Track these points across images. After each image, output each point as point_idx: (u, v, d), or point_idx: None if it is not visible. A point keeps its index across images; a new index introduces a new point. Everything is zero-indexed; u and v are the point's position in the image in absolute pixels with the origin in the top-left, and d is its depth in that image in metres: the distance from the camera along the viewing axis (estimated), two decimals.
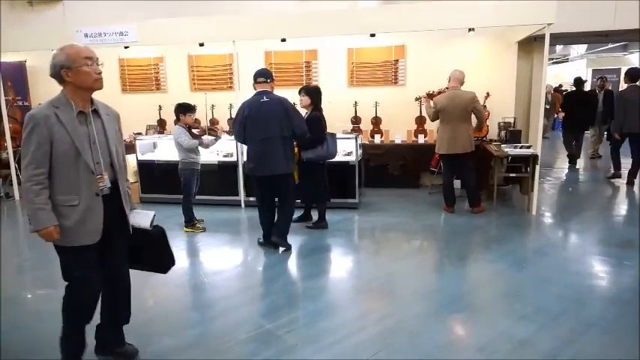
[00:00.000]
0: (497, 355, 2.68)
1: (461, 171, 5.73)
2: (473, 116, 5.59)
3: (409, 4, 6.09)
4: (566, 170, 8.68)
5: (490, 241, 4.80)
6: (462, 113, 5.45)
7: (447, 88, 5.70)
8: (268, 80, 4.44)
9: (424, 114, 7.03)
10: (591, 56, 14.21)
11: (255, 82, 4.46)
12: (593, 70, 14.14)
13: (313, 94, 4.90)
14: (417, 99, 6.53)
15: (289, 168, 4.39)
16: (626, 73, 7.69)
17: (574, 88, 9.29)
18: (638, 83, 7.17)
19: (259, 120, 4.26)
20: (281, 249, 4.52)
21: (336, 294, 3.71)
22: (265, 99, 4.32)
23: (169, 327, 3.13)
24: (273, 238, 4.51)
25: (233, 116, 7.48)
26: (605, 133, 9.35)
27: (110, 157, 2.44)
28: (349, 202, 5.97)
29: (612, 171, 7.63)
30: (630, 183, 7.09)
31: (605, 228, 5.19)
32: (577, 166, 8.88)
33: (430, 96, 6.03)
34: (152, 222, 2.67)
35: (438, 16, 5.54)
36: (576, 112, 8.70)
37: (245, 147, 4.67)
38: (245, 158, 4.56)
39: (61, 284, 2.53)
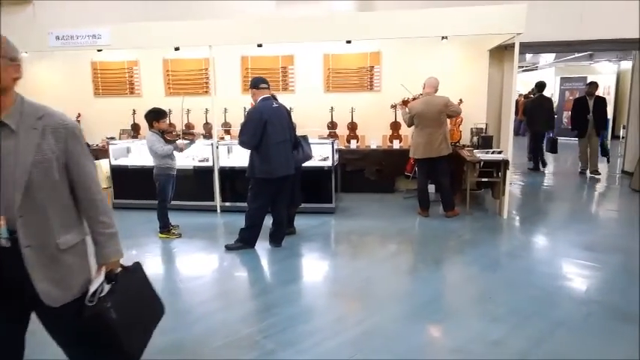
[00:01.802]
0: (472, 356, 2.74)
1: (436, 175, 5.83)
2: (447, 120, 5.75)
3: (384, 12, 6.20)
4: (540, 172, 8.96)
5: (464, 245, 4.90)
6: (436, 118, 5.57)
7: (422, 94, 5.82)
8: (269, 87, 4.65)
9: (399, 120, 7.16)
10: (559, 65, 14.67)
11: (257, 88, 4.57)
12: (561, 78, 14.61)
13: None
14: (392, 106, 6.62)
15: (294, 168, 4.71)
16: (535, 85, 9.66)
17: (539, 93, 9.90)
18: (544, 93, 9.45)
19: (276, 124, 4.46)
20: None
21: (313, 298, 3.73)
22: (275, 105, 4.54)
23: None
24: (276, 244, 4.79)
25: (209, 121, 7.47)
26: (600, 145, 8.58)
27: (15, 194, 1.63)
28: (326, 206, 6.00)
29: (533, 164, 9.25)
30: (536, 169, 9.17)
31: (573, 231, 5.35)
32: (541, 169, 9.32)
33: (405, 102, 6.14)
34: (96, 294, 1.80)
35: (412, 24, 5.67)
36: (535, 116, 9.46)
37: (245, 151, 4.69)
38: (248, 163, 4.60)
39: None
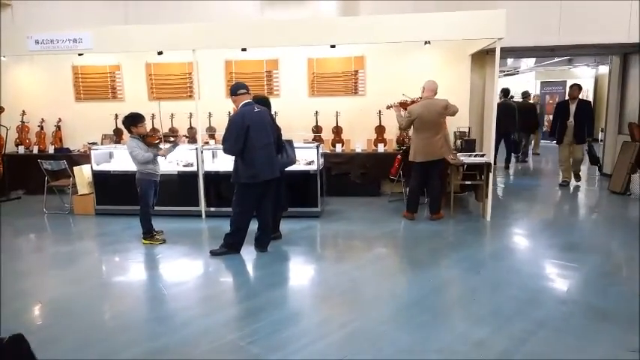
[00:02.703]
0: (455, 356, 2.77)
1: (429, 178, 5.81)
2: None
3: (368, 17, 6.27)
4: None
5: (448, 247, 4.95)
6: (437, 120, 5.59)
7: (421, 97, 5.80)
8: (249, 92, 4.64)
9: (384, 123, 7.21)
10: (539, 69, 14.95)
11: (236, 94, 4.55)
12: (542, 82, 14.91)
13: (262, 104, 4.89)
14: (388, 107, 6.43)
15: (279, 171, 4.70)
16: (501, 90, 10.12)
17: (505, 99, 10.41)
18: (509, 98, 10.21)
19: (259, 128, 4.45)
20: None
21: (299, 302, 3.73)
22: (257, 109, 4.52)
23: (129, 340, 3.04)
24: (261, 249, 4.76)
25: (193, 125, 7.43)
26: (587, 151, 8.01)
27: None
28: (311, 210, 6.00)
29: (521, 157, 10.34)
30: (507, 168, 9.83)
31: (554, 232, 5.45)
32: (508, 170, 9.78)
33: (403, 104, 6.11)
34: None
35: (395, 29, 5.72)
36: (501, 119, 9.85)
37: (229, 157, 4.67)
38: (233, 168, 4.57)
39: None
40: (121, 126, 7.62)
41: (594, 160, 8.10)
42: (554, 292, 3.75)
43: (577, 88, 7.79)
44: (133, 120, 4.95)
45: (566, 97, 8.28)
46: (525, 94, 11.71)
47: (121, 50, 6.83)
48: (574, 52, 9.89)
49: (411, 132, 7.00)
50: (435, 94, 5.67)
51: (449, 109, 5.63)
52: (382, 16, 5.98)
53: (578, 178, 7.88)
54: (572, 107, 7.55)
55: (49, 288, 4.08)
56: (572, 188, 7.76)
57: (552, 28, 6.97)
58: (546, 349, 2.84)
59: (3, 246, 5.24)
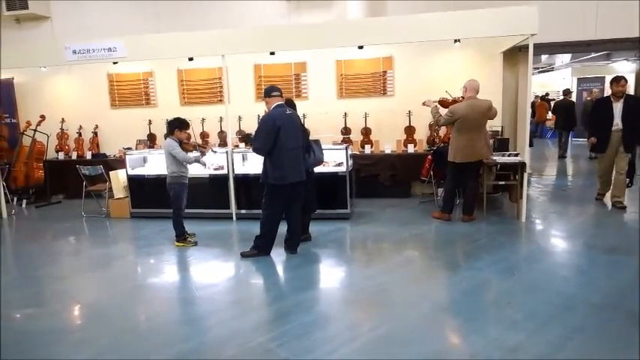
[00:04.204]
0: None
1: (467, 179, 5.69)
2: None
3: (396, 17, 6.21)
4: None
5: (481, 249, 4.82)
6: (480, 121, 5.50)
7: (463, 97, 5.68)
8: (282, 95, 4.69)
9: (413, 124, 7.13)
10: (576, 65, 14.45)
11: (270, 96, 4.61)
12: (578, 79, 14.39)
13: (291, 106, 4.92)
14: (423, 103, 6.29)
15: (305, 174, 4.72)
16: (563, 92, 11.99)
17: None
18: (568, 97, 11.56)
19: (289, 130, 4.49)
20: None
21: (328, 305, 3.71)
22: (288, 112, 4.57)
23: (161, 341, 3.11)
24: (291, 251, 4.79)
25: (224, 129, 7.54)
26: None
27: None
28: (341, 212, 5.99)
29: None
30: (563, 157, 11.06)
31: (592, 235, 5.24)
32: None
33: (443, 103, 5.96)
34: None
35: (424, 28, 5.64)
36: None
37: (259, 158, 4.71)
38: (262, 170, 4.62)
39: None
40: (154, 131, 7.90)
41: (629, 173, 6.20)
42: (591, 296, 3.59)
43: (619, 81, 6.04)
44: (181, 124, 5.13)
45: (606, 94, 6.86)
46: (566, 92, 12.03)
47: (153, 57, 7.02)
48: (612, 47, 9.51)
49: (442, 130, 6.95)
50: (478, 92, 5.54)
51: (492, 111, 5.51)
52: (410, 15, 5.91)
53: (620, 204, 6.13)
54: (618, 106, 5.96)
55: (85, 289, 4.22)
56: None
57: (588, 22, 6.72)
58: (583, 355, 2.73)
59: (44, 247, 5.49)
